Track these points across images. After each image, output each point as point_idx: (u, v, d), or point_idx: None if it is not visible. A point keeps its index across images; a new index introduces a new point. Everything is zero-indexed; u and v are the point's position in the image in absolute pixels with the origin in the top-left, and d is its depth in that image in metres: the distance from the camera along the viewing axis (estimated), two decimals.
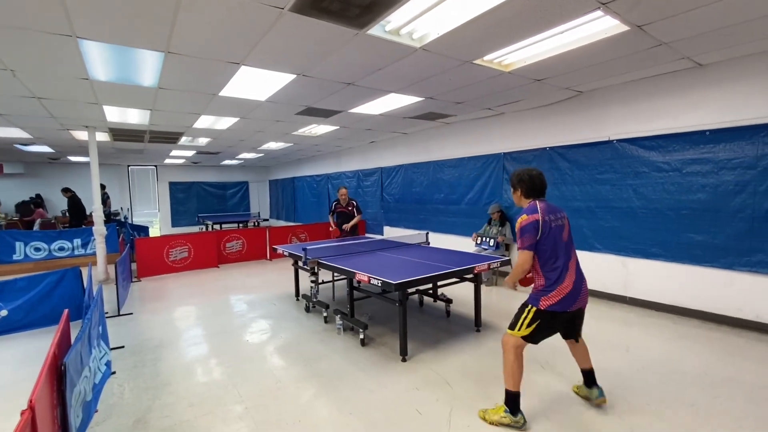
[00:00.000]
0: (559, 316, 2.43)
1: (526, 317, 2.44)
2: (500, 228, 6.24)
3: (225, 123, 6.86)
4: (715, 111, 4.15)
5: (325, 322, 4.54)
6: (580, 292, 2.43)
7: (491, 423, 2.48)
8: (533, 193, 2.52)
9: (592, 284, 5.31)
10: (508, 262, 4.25)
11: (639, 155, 4.76)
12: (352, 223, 6.54)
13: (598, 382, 2.71)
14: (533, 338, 2.45)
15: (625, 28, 3.18)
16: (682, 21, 3.07)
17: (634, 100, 4.79)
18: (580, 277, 2.46)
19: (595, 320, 4.41)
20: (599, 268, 5.23)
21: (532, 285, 2.53)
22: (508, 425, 2.43)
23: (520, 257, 2.40)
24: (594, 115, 5.22)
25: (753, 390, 2.86)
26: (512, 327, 2.50)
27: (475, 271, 3.85)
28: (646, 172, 4.71)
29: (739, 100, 3.99)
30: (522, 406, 2.48)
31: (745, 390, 2.86)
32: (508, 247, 6.32)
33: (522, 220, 2.41)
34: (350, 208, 6.55)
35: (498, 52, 3.73)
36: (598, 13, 2.93)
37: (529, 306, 2.45)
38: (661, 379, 3.06)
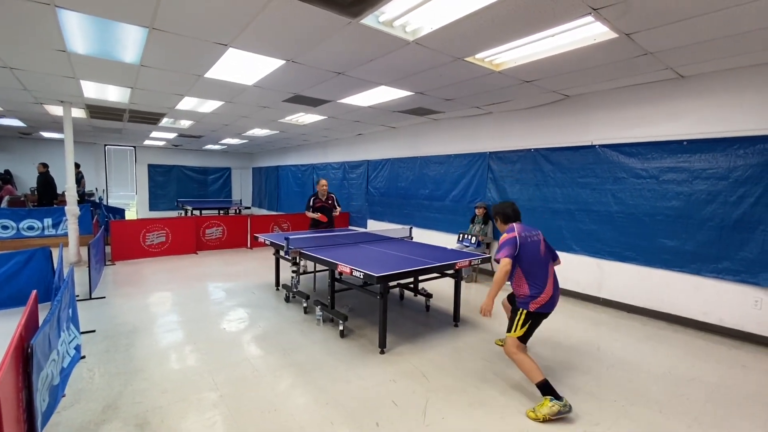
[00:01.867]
0: (542, 317, 2.86)
1: (519, 319, 2.81)
2: (483, 226, 6.33)
3: (209, 106, 6.68)
4: (693, 122, 4.30)
5: (305, 312, 4.52)
6: (557, 298, 2.90)
7: (545, 418, 2.54)
8: (509, 220, 3.02)
9: (568, 284, 5.51)
10: (488, 260, 4.32)
11: (619, 161, 4.89)
12: (337, 212, 6.38)
13: (569, 380, 3.03)
14: (525, 338, 2.83)
15: (613, 35, 3.24)
16: (667, 32, 3.15)
17: (618, 107, 4.91)
18: (557, 286, 2.92)
19: (569, 319, 4.55)
20: (575, 269, 5.38)
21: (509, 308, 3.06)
22: (560, 411, 2.55)
23: (500, 264, 2.77)
24: (579, 119, 5.33)
25: (713, 390, 3.01)
26: (509, 330, 2.86)
27: (456, 267, 3.89)
28: (625, 178, 4.85)
29: (716, 113, 4.14)
30: (488, 399, 2.69)
31: (706, 390, 3.01)
32: (489, 246, 6.42)
33: (503, 237, 2.90)
34: (330, 202, 6.33)
35: (490, 50, 3.75)
36: (589, 18, 2.98)
37: (521, 310, 2.82)
38: (628, 377, 3.18)
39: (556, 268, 2.99)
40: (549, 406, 2.55)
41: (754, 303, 3.93)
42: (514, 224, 2.96)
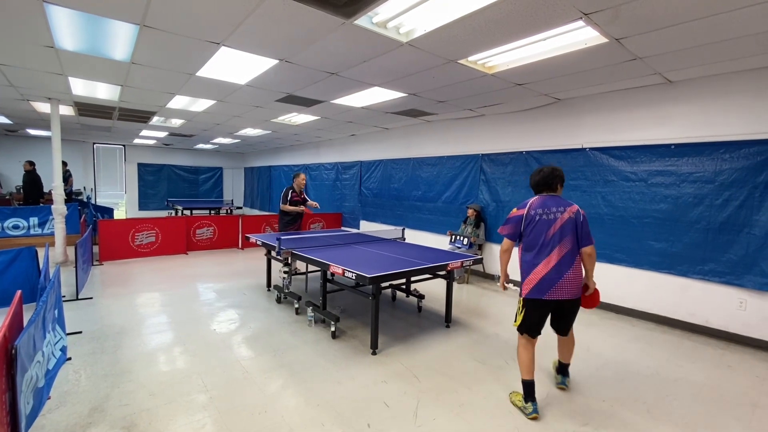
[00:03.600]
0: (540, 305, 2.62)
1: (518, 307, 2.73)
2: (475, 229, 6.36)
3: (201, 105, 6.62)
4: (680, 126, 4.38)
5: (297, 313, 4.49)
6: (555, 282, 2.57)
7: (512, 403, 2.73)
8: (535, 189, 2.82)
9: None
10: (480, 261, 4.34)
11: (609, 164, 4.96)
12: (307, 206, 6.20)
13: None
14: (527, 328, 2.68)
15: (604, 40, 3.29)
16: (656, 37, 3.21)
17: (608, 111, 4.98)
18: (562, 269, 2.57)
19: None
20: None
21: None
22: (519, 408, 2.67)
23: (503, 242, 2.78)
24: (569, 122, 5.39)
25: (699, 390, 3.06)
26: (515, 319, 2.77)
27: (448, 268, 3.91)
28: (614, 181, 4.91)
29: (702, 117, 4.22)
30: (479, 400, 2.64)
31: (692, 390, 3.06)
32: (481, 247, 6.46)
33: (512, 212, 2.77)
34: (302, 196, 6.17)
35: (482, 53, 3.78)
36: (580, 23, 3.02)
37: (519, 297, 2.73)
38: (616, 377, 3.22)
39: (585, 256, 2.63)
40: (518, 399, 2.70)
41: (739, 304, 4.00)
42: (531, 199, 2.74)
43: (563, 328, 2.84)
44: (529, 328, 2.66)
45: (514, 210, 2.74)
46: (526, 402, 2.62)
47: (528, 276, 2.63)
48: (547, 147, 5.64)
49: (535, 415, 2.56)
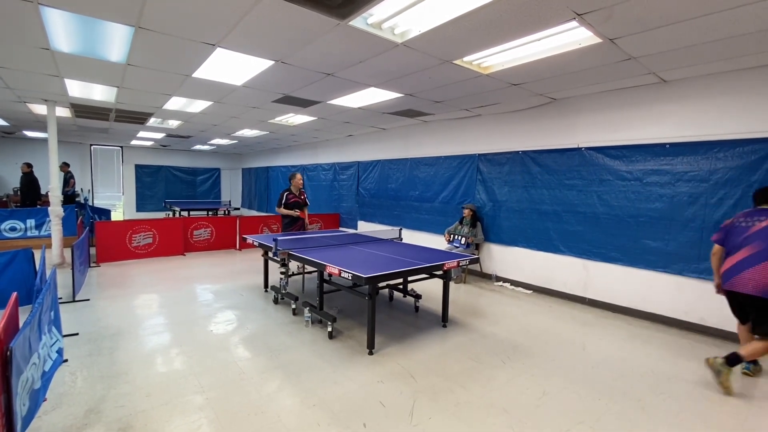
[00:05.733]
0: (731, 296, 3.10)
1: None
2: (471, 229, 6.37)
3: (198, 106, 6.62)
4: (675, 125, 4.40)
5: (294, 314, 4.50)
6: (735, 273, 2.98)
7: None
8: (753, 203, 3.18)
9: (555, 285, 5.58)
10: (477, 261, 4.36)
11: (605, 163, 4.98)
12: (307, 212, 6.14)
13: (555, 378, 3.02)
14: (735, 314, 3.20)
15: (597, 40, 3.31)
16: (649, 37, 3.23)
17: (604, 111, 5.00)
18: (746, 264, 2.93)
19: (555, 319, 4.61)
20: (562, 269, 5.46)
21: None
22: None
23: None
24: (565, 122, 5.42)
25: (693, 388, 3.08)
26: None
27: (445, 268, 3.92)
28: (610, 180, 4.94)
29: (696, 116, 4.25)
30: (475, 399, 2.60)
31: (686, 388, 3.08)
32: (477, 247, 6.47)
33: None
34: (303, 197, 6.07)
35: (478, 54, 3.80)
36: (574, 23, 3.04)
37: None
38: (612, 375, 3.24)
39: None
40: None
41: None
42: (746, 210, 3.13)
43: (751, 325, 3.08)
44: (739, 318, 3.20)
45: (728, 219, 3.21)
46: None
47: (724, 271, 3.07)
48: (544, 147, 5.66)
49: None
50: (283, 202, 5.95)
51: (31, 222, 8.00)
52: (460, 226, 6.58)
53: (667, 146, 4.44)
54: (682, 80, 4.30)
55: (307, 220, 6.17)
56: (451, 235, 6.51)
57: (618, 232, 4.87)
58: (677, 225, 4.38)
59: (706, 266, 4.17)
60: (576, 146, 5.28)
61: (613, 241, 4.92)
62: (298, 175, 6.12)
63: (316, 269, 4.04)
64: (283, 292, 4.73)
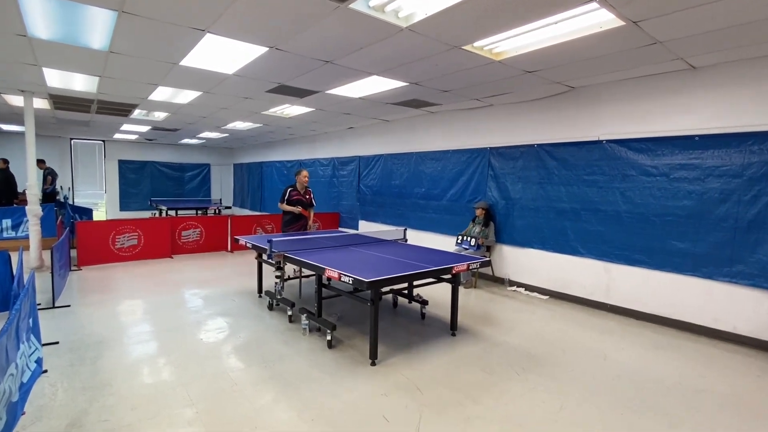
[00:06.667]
0: None
1: None
2: (483, 228, 6.36)
3: (186, 96, 6.65)
4: (705, 116, 4.37)
5: (290, 321, 4.51)
6: None
7: None
8: None
9: (574, 290, 5.56)
10: (488, 263, 4.35)
11: (628, 157, 4.96)
12: (312, 213, 6.16)
13: (573, 391, 2.95)
14: None
15: (620, 23, 3.29)
16: (677, 20, 3.20)
17: (626, 100, 4.97)
18: None
19: (575, 327, 4.59)
20: (581, 273, 5.44)
21: None
22: None
23: None
24: (585, 112, 5.39)
25: (725, 401, 3.06)
26: None
27: (454, 272, 3.92)
28: (633, 176, 4.91)
29: (729, 106, 4.22)
30: (486, 413, 2.54)
31: (718, 401, 3.06)
32: (489, 249, 6.46)
33: None
34: (308, 197, 6.06)
35: (489, 38, 3.78)
36: (594, 5, 3.02)
37: None
38: (636, 387, 3.22)
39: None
40: None
41: None
42: None
43: None
44: None
45: None
46: None
47: None
48: (561, 139, 5.65)
49: None
50: (285, 198, 5.95)
51: (7, 222, 8.07)
52: (472, 225, 6.57)
53: (697, 138, 4.41)
54: (713, 66, 4.27)
55: (311, 222, 6.19)
56: (461, 236, 6.50)
57: (642, 232, 4.85)
58: (707, 224, 4.35)
59: (739, 269, 4.14)
60: (596, 139, 5.26)
61: (636, 241, 4.90)
62: (304, 172, 6.07)
63: (314, 273, 4.05)
64: (279, 297, 4.75)
